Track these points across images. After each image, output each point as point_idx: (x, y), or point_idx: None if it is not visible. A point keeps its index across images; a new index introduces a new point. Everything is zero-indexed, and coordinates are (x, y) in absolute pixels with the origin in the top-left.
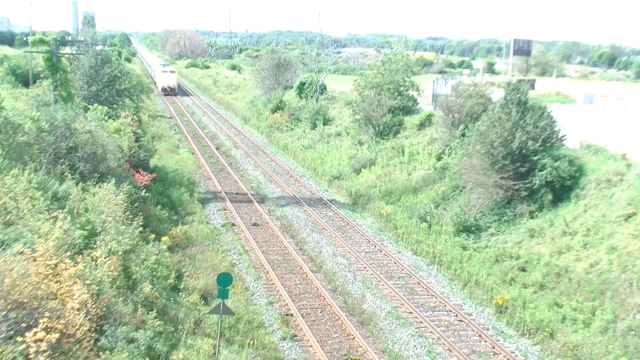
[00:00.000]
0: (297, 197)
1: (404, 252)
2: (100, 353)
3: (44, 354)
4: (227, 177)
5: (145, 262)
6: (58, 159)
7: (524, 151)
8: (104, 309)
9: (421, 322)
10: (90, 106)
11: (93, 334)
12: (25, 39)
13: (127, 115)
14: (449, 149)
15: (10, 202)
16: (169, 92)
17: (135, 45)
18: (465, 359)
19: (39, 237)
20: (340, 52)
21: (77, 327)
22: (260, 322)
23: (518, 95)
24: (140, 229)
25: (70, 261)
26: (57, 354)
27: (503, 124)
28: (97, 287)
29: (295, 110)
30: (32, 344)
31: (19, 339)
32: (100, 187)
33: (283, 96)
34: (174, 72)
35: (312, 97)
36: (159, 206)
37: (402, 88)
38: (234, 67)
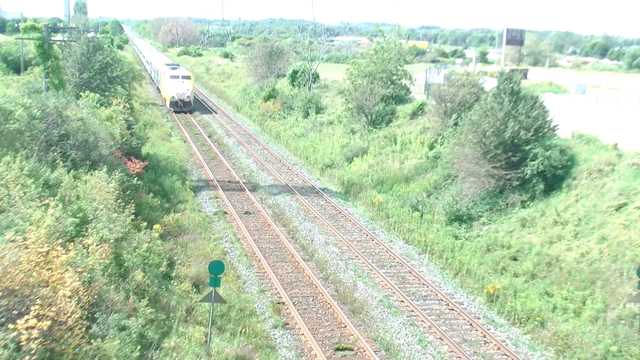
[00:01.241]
0: (289, 185)
1: (396, 241)
2: (92, 340)
3: (36, 341)
4: (219, 165)
5: (137, 250)
6: (50, 146)
7: (516, 141)
8: (95, 296)
9: (412, 311)
10: (82, 93)
11: (85, 322)
12: (16, 25)
13: (119, 102)
14: (441, 138)
15: (1, 190)
16: (181, 107)
17: (127, 33)
18: (456, 347)
19: (30, 225)
20: (333, 41)
21: (68, 315)
22: (252, 310)
23: (511, 85)
24: (132, 216)
25: (61, 249)
26: (49, 341)
27: (495, 113)
28: (89, 275)
29: (288, 99)
30: (24, 331)
31: (11, 326)
32: (92, 174)
33: (275, 84)
34: (189, 77)
35: (304, 85)
36: (151, 194)
37: (394, 77)
38: (226, 55)
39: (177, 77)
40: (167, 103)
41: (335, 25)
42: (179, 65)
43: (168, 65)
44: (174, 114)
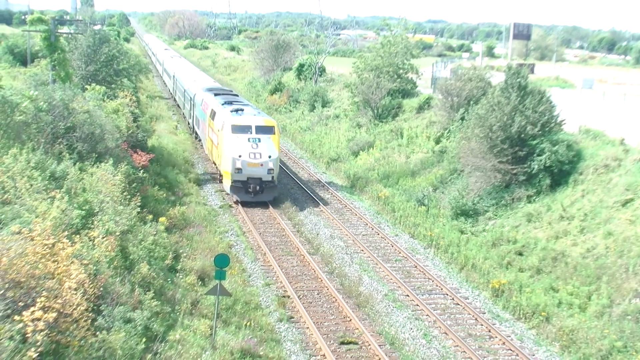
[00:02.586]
0: (295, 178)
1: (401, 235)
2: (97, 333)
3: (41, 333)
4: None
5: (142, 242)
6: (56, 138)
7: (522, 135)
8: (101, 289)
9: (417, 305)
10: (88, 86)
11: (90, 314)
12: (23, 17)
13: (126, 95)
14: (447, 133)
15: (8, 182)
16: (255, 191)
17: (134, 26)
18: (461, 342)
19: (36, 217)
20: (339, 34)
21: (74, 307)
22: (257, 304)
23: (518, 80)
24: (138, 209)
25: (67, 241)
26: (55, 333)
27: (502, 108)
28: (95, 267)
29: (294, 92)
30: (30, 323)
31: (17, 317)
32: (98, 167)
33: (282, 78)
34: (271, 129)
35: (311, 79)
36: (157, 187)
37: (401, 71)
38: (232, 48)
39: (248, 128)
40: (227, 182)
41: (341, 18)
42: (242, 100)
43: (218, 95)
44: (239, 205)
